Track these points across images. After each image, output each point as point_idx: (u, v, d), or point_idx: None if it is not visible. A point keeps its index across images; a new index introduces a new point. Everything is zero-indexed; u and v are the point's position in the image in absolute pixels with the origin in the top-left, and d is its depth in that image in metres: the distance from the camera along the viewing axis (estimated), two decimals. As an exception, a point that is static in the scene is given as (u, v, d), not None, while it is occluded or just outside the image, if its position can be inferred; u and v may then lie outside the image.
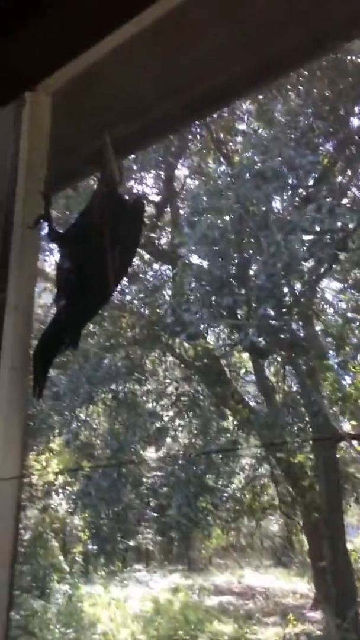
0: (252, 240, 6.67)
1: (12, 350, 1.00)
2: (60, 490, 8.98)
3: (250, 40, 0.89)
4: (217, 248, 6.60)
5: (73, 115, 1.21)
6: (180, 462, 8.11)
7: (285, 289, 7.07)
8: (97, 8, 0.78)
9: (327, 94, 6.56)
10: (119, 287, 7.73)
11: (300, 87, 6.38)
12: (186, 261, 6.78)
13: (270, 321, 7.23)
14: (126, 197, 1.12)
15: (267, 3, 0.89)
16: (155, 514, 9.67)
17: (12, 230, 0.99)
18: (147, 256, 8.22)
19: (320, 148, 6.84)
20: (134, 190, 7.70)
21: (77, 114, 1.18)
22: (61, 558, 9.31)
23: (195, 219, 6.47)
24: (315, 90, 6.44)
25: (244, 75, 0.95)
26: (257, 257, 6.40)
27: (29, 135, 1.01)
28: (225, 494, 8.47)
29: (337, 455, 7.26)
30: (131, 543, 10.10)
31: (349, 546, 7.42)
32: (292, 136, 6.61)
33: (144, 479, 9.26)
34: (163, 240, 8.50)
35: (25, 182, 1.02)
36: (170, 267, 7.80)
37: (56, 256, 7.83)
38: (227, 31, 0.92)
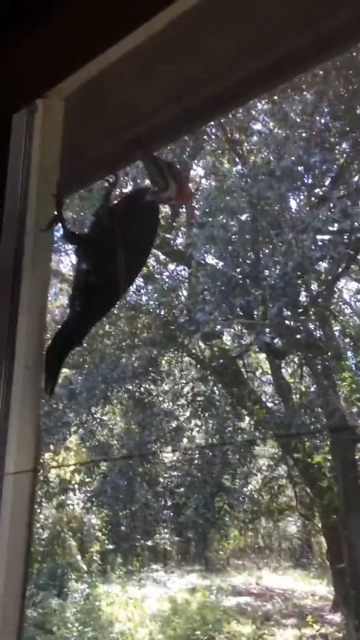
0: (266, 240, 6.66)
1: (26, 350, 1.02)
2: (77, 488, 9.06)
3: (259, 43, 0.91)
4: (230, 248, 6.61)
5: (85, 119, 1.23)
6: (196, 462, 8.13)
7: (302, 290, 7.06)
8: (109, 13, 0.80)
9: (342, 93, 6.53)
10: (134, 287, 7.80)
11: (315, 87, 6.36)
12: (200, 261, 6.80)
13: (287, 322, 7.22)
14: (145, 198, 1.13)
15: (275, 5, 0.90)
16: (172, 514, 9.70)
17: (25, 233, 1.01)
18: (162, 257, 8.25)
19: (337, 148, 6.81)
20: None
21: (90, 118, 1.20)
22: (79, 557, 9.39)
23: (209, 219, 6.48)
24: (330, 90, 6.41)
25: (252, 78, 0.97)
26: (271, 257, 6.39)
27: (41, 139, 1.03)
28: (242, 495, 8.46)
29: (356, 457, 7.21)
30: (149, 543, 10.13)
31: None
32: (308, 136, 6.60)
33: (161, 479, 9.29)
34: (179, 241, 8.52)
35: (38, 186, 1.04)
36: (185, 267, 7.82)
37: (72, 257, 7.92)
38: (236, 35, 0.93)
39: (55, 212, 1.06)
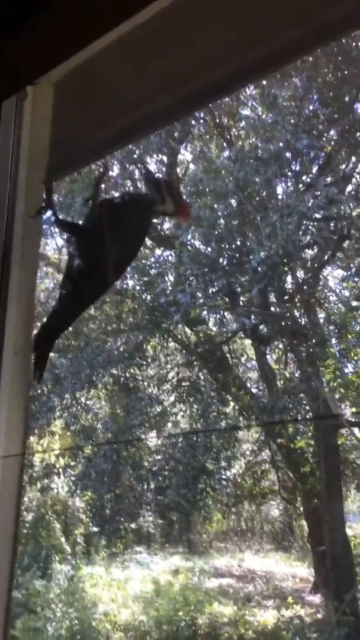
0: (252, 225, 6.67)
1: (15, 335, 1.03)
2: (61, 472, 9.08)
3: (250, 34, 0.91)
4: (216, 232, 6.60)
5: (75, 105, 1.22)
6: (180, 445, 8.19)
7: (287, 276, 7.10)
8: (102, 2, 0.79)
9: (331, 80, 6.51)
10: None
11: (305, 73, 6.33)
12: (185, 243, 6.77)
13: (272, 308, 7.26)
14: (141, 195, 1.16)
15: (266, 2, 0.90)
16: (155, 497, 9.78)
17: (14, 219, 1.01)
18: (149, 242, 8.22)
19: (324, 135, 6.81)
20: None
21: (79, 105, 1.20)
22: (63, 539, 9.45)
23: (196, 200, 6.45)
24: (319, 77, 6.39)
25: (242, 68, 0.97)
26: (256, 241, 6.40)
27: (31, 125, 1.03)
28: (225, 479, 8.56)
29: (338, 442, 7.32)
30: (132, 525, 10.22)
31: (349, 532, 7.51)
32: (296, 122, 6.59)
33: (145, 463, 9.35)
34: (166, 226, 8.50)
35: (27, 172, 1.04)
36: (172, 253, 7.81)
37: (58, 240, 7.85)
38: (228, 25, 0.93)
39: (45, 199, 1.06)
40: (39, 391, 7.42)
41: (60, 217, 1.09)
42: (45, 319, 1.11)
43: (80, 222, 1.19)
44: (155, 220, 8.11)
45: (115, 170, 7.34)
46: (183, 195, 1.28)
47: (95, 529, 9.61)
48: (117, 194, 1.35)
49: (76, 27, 0.86)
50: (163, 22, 0.95)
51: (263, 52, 0.89)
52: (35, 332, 1.06)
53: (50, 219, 1.10)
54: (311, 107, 6.88)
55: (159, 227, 8.38)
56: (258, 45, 0.89)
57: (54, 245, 8.14)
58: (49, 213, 1.07)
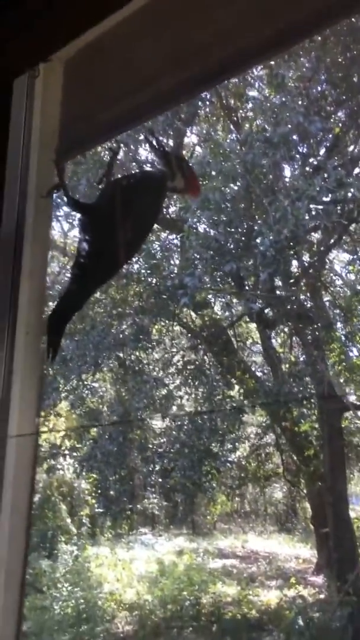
0: (260, 208, 6.63)
1: (27, 316, 1.03)
2: (67, 453, 9.17)
3: (264, 9, 0.89)
4: (223, 216, 6.56)
5: (84, 84, 1.21)
6: (185, 428, 8.25)
7: (294, 259, 7.07)
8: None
9: (340, 60, 6.42)
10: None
11: (313, 53, 6.24)
12: (193, 227, 6.74)
13: (278, 292, 7.25)
14: (150, 169, 1.14)
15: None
16: (160, 479, 9.87)
17: (26, 199, 1.01)
18: (155, 225, 8.18)
19: (332, 116, 6.73)
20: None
21: (89, 83, 1.18)
22: (68, 520, 9.55)
23: (204, 182, 6.40)
24: (328, 57, 6.30)
25: (256, 45, 0.95)
26: (264, 225, 6.36)
27: (42, 104, 1.02)
28: (230, 460, 8.62)
29: (342, 425, 7.35)
30: (137, 507, 10.32)
31: (352, 514, 7.57)
32: (304, 103, 6.50)
33: (150, 445, 9.42)
34: (171, 209, 8.45)
35: (39, 152, 1.04)
36: (178, 236, 7.78)
37: (63, 224, 7.80)
38: (241, 2, 0.91)
39: (57, 179, 1.05)
40: (44, 372, 7.46)
41: (71, 196, 1.08)
42: (57, 301, 1.11)
43: (92, 202, 1.18)
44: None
45: (120, 153, 7.28)
46: (193, 170, 1.24)
47: (101, 510, 9.72)
48: (129, 173, 1.33)
49: (90, 2, 0.85)
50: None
51: (279, 26, 0.87)
52: (48, 314, 1.06)
53: (58, 199, 1.10)
54: (319, 88, 6.79)
55: (165, 210, 8.34)
56: (277, 18, 0.87)
57: (60, 228, 8.12)
58: (60, 193, 1.07)
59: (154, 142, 1.25)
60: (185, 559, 8.87)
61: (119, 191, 1.10)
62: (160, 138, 6.96)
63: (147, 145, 6.85)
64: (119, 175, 1.21)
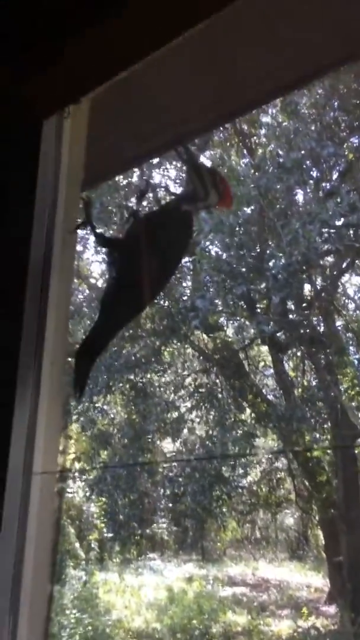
0: (273, 232, 6.67)
1: (53, 345, 1.04)
2: (77, 476, 9.12)
3: (288, 57, 0.91)
4: (236, 239, 6.60)
5: (110, 119, 1.23)
6: (196, 452, 8.19)
7: (306, 283, 7.07)
8: (151, 22, 0.80)
9: (353, 87, 6.49)
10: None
11: (326, 80, 6.32)
12: (205, 250, 6.78)
13: (290, 315, 7.24)
14: (181, 207, 1.14)
15: (305, 22, 0.91)
16: (170, 504, 9.77)
17: (54, 234, 1.03)
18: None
19: (346, 142, 6.78)
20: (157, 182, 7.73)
21: (115, 119, 1.21)
22: (77, 544, 9.46)
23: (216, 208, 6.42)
24: (341, 84, 6.38)
25: (277, 89, 0.97)
26: (276, 248, 6.39)
27: (70, 142, 1.04)
28: (241, 485, 8.52)
29: (356, 451, 7.25)
30: (147, 531, 10.21)
31: (365, 542, 7.42)
32: (317, 129, 6.57)
33: (160, 469, 9.35)
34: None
35: (66, 188, 1.05)
36: (190, 259, 7.82)
37: (88, 254, 7.84)
38: (266, 49, 0.93)
39: (85, 216, 1.07)
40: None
41: (98, 232, 1.09)
42: (84, 338, 1.11)
43: (119, 238, 1.19)
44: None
45: (134, 177, 7.38)
46: (226, 181, 1.22)
47: (110, 535, 9.63)
48: (156, 209, 1.33)
49: (124, 46, 0.87)
50: (204, 40, 0.95)
51: (301, 73, 0.89)
52: (75, 350, 1.06)
53: (92, 236, 1.11)
54: (332, 115, 6.86)
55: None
56: (296, 68, 0.89)
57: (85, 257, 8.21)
58: (89, 230, 1.08)
59: (185, 155, 1.22)
60: (194, 586, 8.73)
61: (146, 227, 1.11)
62: (193, 151, 7.04)
63: (180, 161, 6.91)
64: (148, 211, 1.22)
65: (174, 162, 7.71)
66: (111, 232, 7.51)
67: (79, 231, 1.19)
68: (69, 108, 1.00)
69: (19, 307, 0.96)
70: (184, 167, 1.12)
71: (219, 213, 5.99)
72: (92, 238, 1.13)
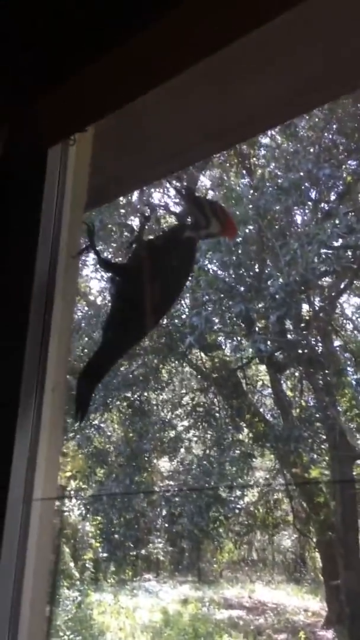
0: (271, 252, 6.71)
1: (54, 371, 1.04)
2: (72, 495, 9.03)
3: (293, 92, 0.93)
4: (234, 258, 6.65)
5: (114, 146, 1.25)
6: (193, 472, 8.13)
7: (304, 303, 7.10)
8: (160, 53, 0.82)
9: (351, 111, 6.58)
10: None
11: (326, 105, 6.41)
12: (203, 267, 6.81)
13: (288, 335, 7.25)
14: (184, 234, 1.15)
15: (306, 53, 0.93)
16: (166, 524, 9.67)
17: (57, 260, 1.04)
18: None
19: (344, 165, 6.86)
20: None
21: (118, 146, 1.23)
22: (71, 564, 9.34)
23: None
24: (340, 108, 6.47)
25: (278, 117, 0.99)
26: (274, 268, 6.43)
27: (74, 168, 1.06)
28: (238, 506, 8.45)
29: (354, 473, 7.21)
30: (142, 552, 10.09)
31: (363, 565, 7.34)
32: (316, 151, 6.65)
33: (156, 488, 9.27)
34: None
35: (70, 213, 1.07)
36: (190, 277, 7.84)
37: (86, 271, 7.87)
38: (268, 79, 0.95)
39: (88, 240, 1.08)
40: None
41: (102, 257, 1.10)
42: (90, 359, 1.12)
43: (122, 263, 1.20)
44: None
45: (134, 196, 7.44)
46: (227, 212, 1.25)
47: (105, 555, 9.50)
48: (159, 235, 1.35)
49: (129, 78, 0.89)
50: (206, 70, 0.97)
51: (306, 108, 0.91)
52: (74, 365, 1.06)
53: (95, 260, 1.12)
54: (331, 138, 6.95)
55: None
56: (302, 102, 0.91)
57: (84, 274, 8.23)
58: (92, 254, 1.09)
59: (184, 191, 1.27)
60: (190, 609, 8.60)
61: (149, 254, 1.12)
62: (187, 184, 7.12)
63: (177, 194, 6.99)
64: (151, 237, 1.23)
65: (174, 182, 7.78)
66: (110, 249, 7.56)
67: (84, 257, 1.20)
68: (75, 136, 1.01)
69: (22, 331, 0.97)
70: (184, 200, 1.15)
71: (229, 238, 6.05)
72: (91, 256, 1.14)
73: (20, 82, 0.95)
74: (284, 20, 0.81)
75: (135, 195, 7.42)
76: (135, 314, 1.10)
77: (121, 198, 7.05)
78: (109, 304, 1.17)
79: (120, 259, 7.52)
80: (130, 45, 0.83)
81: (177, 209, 8.43)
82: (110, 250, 7.55)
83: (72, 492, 8.80)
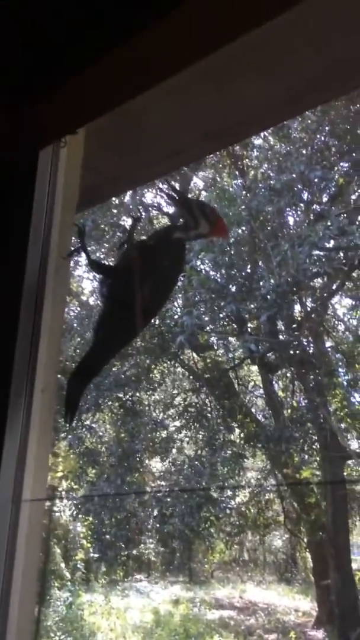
0: (263, 253, 6.73)
1: (44, 372, 1.04)
2: (64, 495, 9.01)
3: (290, 93, 0.93)
4: (226, 258, 6.66)
5: (106, 146, 1.25)
6: (185, 472, 8.13)
7: (296, 305, 7.12)
8: (156, 55, 0.82)
9: (344, 113, 6.61)
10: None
11: (319, 107, 6.43)
12: (195, 267, 6.81)
13: (280, 336, 7.27)
14: (173, 235, 1.15)
15: (305, 53, 0.93)
16: (157, 524, 9.66)
17: (48, 261, 1.04)
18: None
19: (336, 167, 6.89)
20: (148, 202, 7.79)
21: (110, 146, 1.22)
22: (62, 565, 9.31)
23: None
24: (332, 110, 6.49)
25: (275, 118, 1.00)
26: (266, 269, 6.45)
27: (66, 170, 1.06)
28: (230, 506, 8.46)
29: (344, 473, 7.24)
30: (133, 552, 10.08)
31: (354, 565, 7.38)
32: (308, 153, 6.67)
33: (148, 488, 9.26)
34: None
35: (61, 214, 1.07)
36: (181, 277, 7.84)
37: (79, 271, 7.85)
38: (265, 80, 0.95)
39: (79, 242, 1.08)
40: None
41: (92, 258, 1.11)
42: (80, 359, 1.12)
43: (112, 265, 1.20)
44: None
45: (127, 196, 7.44)
46: (217, 212, 1.25)
47: (96, 555, 9.48)
48: (148, 236, 1.35)
49: (125, 79, 0.89)
50: (201, 70, 0.97)
51: (303, 108, 0.91)
52: (65, 365, 1.07)
53: (85, 261, 1.12)
54: (323, 139, 6.98)
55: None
56: (299, 103, 0.92)
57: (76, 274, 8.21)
58: (83, 255, 1.09)
59: (173, 194, 1.27)
60: (181, 609, 8.61)
61: (139, 255, 1.13)
62: (177, 186, 7.12)
63: (166, 196, 6.98)
64: (141, 238, 1.23)
65: (164, 184, 7.77)
66: (103, 250, 7.54)
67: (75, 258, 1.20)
68: (66, 138, 1.01)
69: (12, 332, 0.96)
70: (171, 201, 1.16)
71: (221, 238, 6.05)
72: (83, 257, 1.13)
73: (18, 83, 0.95)
74: (284, 20, 0.81)
75: (128, 196, 7.42)
76: (126, 314, 1.11)
77: (114, 198, 7.05)
78: (100, 305, 1.17)
79: (112, 259, 7.52)
80: (130, 46, 0.83)
81: (170, 210, 8.44)
82: (103, 250, 7.54)
83: (64, 493, 8.78)
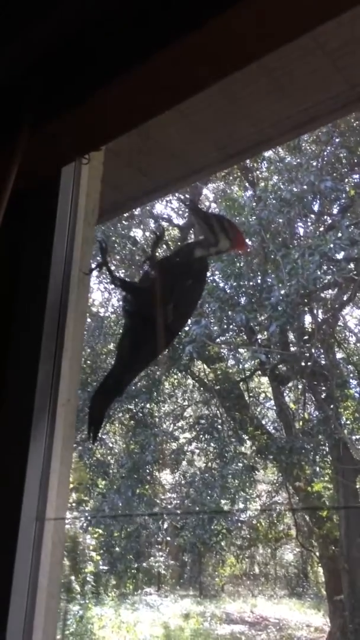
0: (272, 263, 6.72)
1: (66, 386, 1.04)
2: (74, 507, 8.97)
3: (303, 114, 0.94)
4: (235, 268, 6.66)
5: (123, 161, 1.26)
6: (195, 484, 8.08)
7: (307, 316, 7.10)
8: (172, 78, 0.83)
9: (354, 125, 6.62)
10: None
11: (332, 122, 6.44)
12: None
13: (292, 347, 7.24)
14: (195, 253, 1.15)
15: (320, 78, 0.94)
16: (168, 538, 9.59)
17: (70, 276, 1.04)
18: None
19: (347, 179, 6.89)
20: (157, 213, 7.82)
21: (129, 164, 1.23)
22: (72, 577, 9.25)
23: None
24: (342, 122, 6.50)
25: (287, 133, 1.00)
26: (277, 280, 6.44)
27: (88, 185, 1.06)
28: (241, 519, 8.39)
29: (357, 486, 7.16)
30: (143, 565, 10.00)
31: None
32: (319, 165, 6.68)
33: (158, 500, 9.21)
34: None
35: (83, 229, 1.07)
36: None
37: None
38: (277, 96, 0.96)
39: (102, 258, 1.08)
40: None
41: (116, 275, 1.10)
42: (100, 383, 1.11)
43: (136, 283, 1.20)
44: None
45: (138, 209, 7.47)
46: (236, 226, 1.25)
47: (106, 568, 9.42)
48: (171, 255, 1.35)
49: (146, 99, 0.90)
50: (221, 93, 0.98)
51: (315, 127, 0.92)
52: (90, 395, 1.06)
53: (109, 277, 1.12)
54: (333, 151, 6.99)
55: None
56: (311, 123, 0.92)
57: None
58: (105, 271, 1.09)
59: (195, 209, 1.27)
60: (191, 623, 8.52)
61: (161, 273, 1.12)
62: (192, 200, 7.15)
63: (189, 211, 7.00)
64: (164, 255, 1.23)
65: (177, 195, 7.80)
66: (114, 262, 7.56)
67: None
68: (89, 154, 1.02)
69: (36, 347, 0.96)
70: (193, 217, 1.16)
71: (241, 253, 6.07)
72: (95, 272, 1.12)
73: (41, 102, 0.96)
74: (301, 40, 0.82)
75: (138, 209, 7.44)
76: (149, 333, 1.10)
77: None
78: (121, 321, 1.17)
79: (123, 271, 7.54)
80: (148, 67, 0.84)
81: (180, 222, 8.47)
82: (114, 262, 7.56)
83: (74, 505, 8.74)
